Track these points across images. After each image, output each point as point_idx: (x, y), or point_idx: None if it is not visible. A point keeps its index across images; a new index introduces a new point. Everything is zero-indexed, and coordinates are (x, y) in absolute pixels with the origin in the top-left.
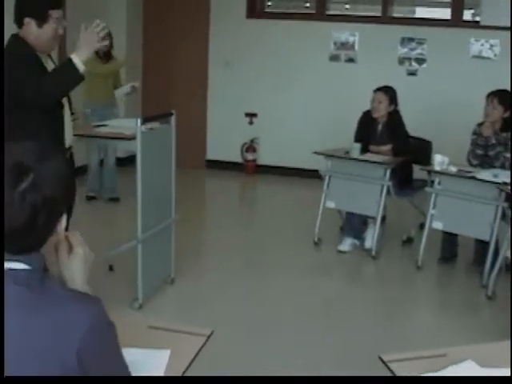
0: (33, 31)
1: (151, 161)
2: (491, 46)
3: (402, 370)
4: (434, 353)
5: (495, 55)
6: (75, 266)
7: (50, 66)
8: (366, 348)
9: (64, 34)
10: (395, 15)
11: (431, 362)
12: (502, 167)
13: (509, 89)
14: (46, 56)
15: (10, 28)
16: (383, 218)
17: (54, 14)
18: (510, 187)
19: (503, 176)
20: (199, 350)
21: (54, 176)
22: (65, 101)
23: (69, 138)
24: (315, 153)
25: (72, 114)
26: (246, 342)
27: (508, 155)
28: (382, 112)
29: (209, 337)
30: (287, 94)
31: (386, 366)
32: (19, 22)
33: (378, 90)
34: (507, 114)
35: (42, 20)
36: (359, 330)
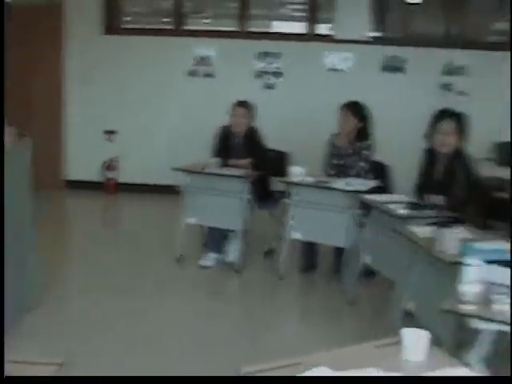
0: None
1: (4, 185)
2: (345, 58)
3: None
4: (290, 362)
5: (348, 68)
6: None
7: None
8: (233, 362)
9: None
10: (253, 29)
11: (288, 371)
12: (358, 176)
13: (361, 100)
14: None
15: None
16: (245, 231)
17: None
18: (363, 195)
19: (358, 184)
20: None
21: None
22: None
23: None
24: (174, 169)
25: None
26: (106, 368)
27: (362, 164)
28: (241, 126)
29: (60, 365)
30: (147, 111)
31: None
32: None
33: (238, 104)
34: (361, 125)
35: None
36: (226, 344)
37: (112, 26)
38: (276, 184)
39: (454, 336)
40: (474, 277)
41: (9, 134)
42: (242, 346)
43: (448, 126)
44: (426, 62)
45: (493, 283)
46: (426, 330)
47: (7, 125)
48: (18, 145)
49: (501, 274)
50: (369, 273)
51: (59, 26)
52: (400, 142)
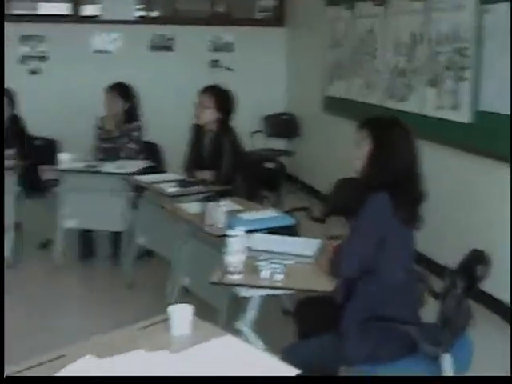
0: None
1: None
2: (112, 39)
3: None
4: (52, 356)
5: (116, 49)
6: None
7: None
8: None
9: None
10: (15, 12)
11: (51, 366)
12: (129, 158)
13: (129, 81)
14: None
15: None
16: (17, 225)
17: None
18: (134, 177)
19: (130, 166)
20: None
21: None
22: None
23: None
24: None
25: None
26: None
27: (132, 146)
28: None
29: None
30: None
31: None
32: None
33: None
34: (127, 106)
35: None
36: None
37: None
38: (45, 173)
39: (228, 307)
40: (238, 247)
41: None
42: (21, 339)
43: (204, 99)
44: (193, 40)
45: (258, 251)
46: (203, 304)
47: None
48: None
49: (265, 241)
50: (147, 253)
51: None
52: (170, 121)
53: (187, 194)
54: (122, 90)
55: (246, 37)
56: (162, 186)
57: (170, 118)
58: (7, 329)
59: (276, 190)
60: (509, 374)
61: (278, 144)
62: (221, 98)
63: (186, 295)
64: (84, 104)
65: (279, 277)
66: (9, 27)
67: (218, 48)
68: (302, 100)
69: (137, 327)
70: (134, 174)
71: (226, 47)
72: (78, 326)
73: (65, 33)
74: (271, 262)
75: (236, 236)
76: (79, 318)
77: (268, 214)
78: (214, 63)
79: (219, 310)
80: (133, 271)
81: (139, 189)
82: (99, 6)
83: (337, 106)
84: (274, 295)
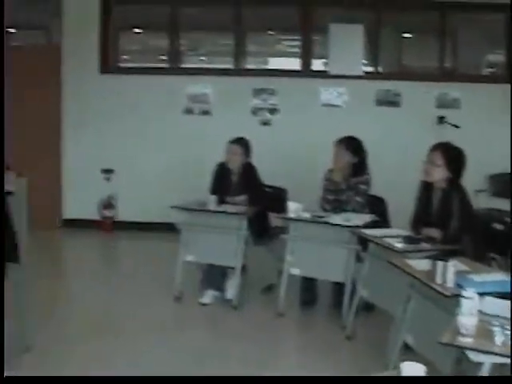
0: None
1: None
2: (339, 94)
3: None
4: None
5: (344, 103)
6: None
7: None
8: None
9: None
10: (248, 67)
11: None
12: (354, 211)
13: (356, 135)
14: None
15: None
16: (243, 268)
17: None
18: (361, 230)
19: (355, 219)
20: None
21: None
22: None
23: None
24: (172, 207)
25: None
26: None
27: (358, 199)
28: (236, 163)
29: None
30: (143, 149)
31: None
32: None
33: (233, 141)
34: (355, 160)
35: None
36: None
37: (108, 64)
38: (273, 220)
39: (454, 369)
40: (472, 309)
41: (9, 180)
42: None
43: (435, 156)
44: (419, 95)
45: (491, 315)
46: (425, 363)
47: (7, 169)
48: (16, 185)
49: (498, 305)
50: (367, 307)
51: (58, 65)
52: (395, 176)
53: (415, 251)
54: (351, 144)
55: (472, 93)
56: (388, 240)
57: (395, 173)
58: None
59: (504, 252)
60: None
61: (503, 204)
62: (452, 157)
63: (405, 352)
64: (312, 155)
65: None
66: (242, 80)
67: (445, 104)
68: None
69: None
70: (359, 226)
71: (453, 104)
72: (295, 372)
73: (294, 86)
74: (505, 329)
75: (470, 297)
76: (296, 364)
77: (499, 278)
78: (440, 120)
79: (442, 371)
80: (353, 323)
81: (364, 242)
82: (327, 60)
83: None
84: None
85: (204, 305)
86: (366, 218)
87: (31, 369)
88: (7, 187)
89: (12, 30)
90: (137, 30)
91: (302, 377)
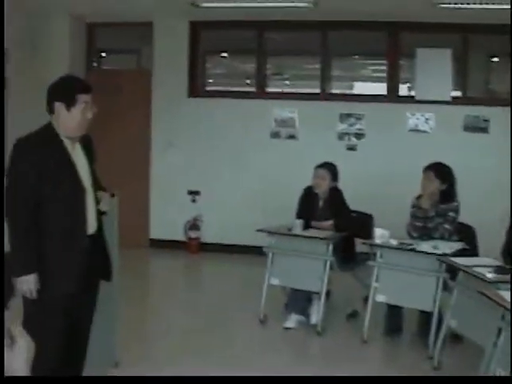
0: (61, 115)
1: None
2: (426, 119)
3: None
4: None
5: (431, 128)
6: (18, 359)
7: (77, 150)
8: None
9: None
10: (334, 91)
11: None
12: (442, 238)
13: (444, 161)
14: (74, 140)
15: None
16: (328, 293)
17: (83, 97)
18: (450, 258)
19: (443, 247)
20: None
21: None
22: (88, 185)
23: (92, 225)
24: (258, 230)
25: (97, 200)
26: None
27: (447, 226)
28: (323, 188)
29: None
30: (230, 172)
31: None
32: (50, 108)
33: (320, 166)
34: (444, 187)
35: (70, 103)
36: None
37: (196, 88)
38: (359, 246)
39: None
40: None
41: (105, 201)
42: None
43: None
44: (509, 122)
45: None
46: None
47: (104, 192)
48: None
49: None
50: (455, 337)
51: (148, 89)
52: (484, 203)
53: (506, 282)
54: (440, 170)
55: None
56: (479, 270)
57: (483, 201)
58: None
59: None
60: None
61: None
62: None
63: None
64: (398, 181)
65: None
66: (328, 105)
67: None
68: None
69: None
70: (448, 255)
71: None
72: None
73: (381, 111)
74: None
75: None
76: None
77: None
78: None
79: None
80: (440, 353)
81: (452, 270)
82: (413, 85)
83: None
84: None
85: (288, 329)
86: (455, 245)
87: None
88: (104, 208)
89: (103, 54)
90: (223, 54)
91: (302, 377)
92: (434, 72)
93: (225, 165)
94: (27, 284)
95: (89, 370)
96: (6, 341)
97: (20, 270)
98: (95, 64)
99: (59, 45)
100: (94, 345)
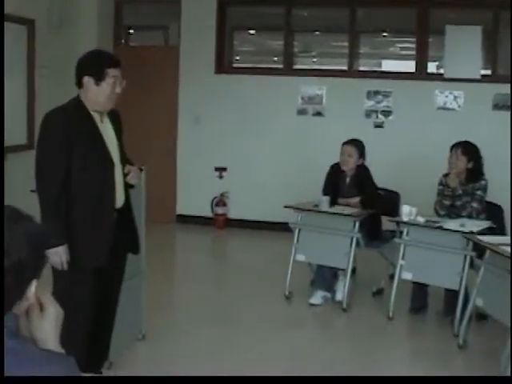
0: (90, 89)
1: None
2: (455, 97)
3: None
4: None
5: (459, 106)
6: (47, 326)
7: (106, 124)
8: None
9: None
10: (361, 69)
11: None
12: (469, 217)
13: (473, 140)
14: (103, 115)
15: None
16: (353, 270)
17: (112, 72)
18: (477, 236)
19: (470, 225)
20: None
21: (22, 241)
22: (117, 159)
23: (119, 199)
24: (286, 206)
25: (125, 174)
26: None
27: (475, 205)
28: (351, 165)
29: None
30: (256, 148)
31: None
32: (79, 82)
33: (347, 143)
34: (471, 165)
35: (99, 78)
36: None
37: (223, 65)
38: (386, 223)
39: None
40: None
41: (134, 174)
42: None
43: None
44: None
45: None
46: None
47: (131, 165)
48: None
49: None
50: (481, 316)
51: (176, 66)
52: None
53: None
54: (467, 149)
55: None
56: (507, 248)
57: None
58: (336, 369)
59: None
60: None
61: None
62: None
63: None
64: (426, 159)
65: None
66: (356, 82)
67: None
68: None
69: None
70: (475, 233)
71: None
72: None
73: (409, 89)
74: None
75: None
76: (408, 371)
77: None
78: None
79: None
80: (465, 332)
81: (479, 249)
82: (442, 63)
83: None
84: None
85: (313, 305)
86: (482, 224)
87: (145, 356)
88: (132, 181)
89: (131, 31)
90: (251, 31)
91: (302, 377)
92: (463, 49)
93: (251, 141)
94: (58, 255)
95: (116, 343)
96: (36, 308)
97: (52, 241)
98: (123, 41)
99: (87, 21)
100: (122, 317)
